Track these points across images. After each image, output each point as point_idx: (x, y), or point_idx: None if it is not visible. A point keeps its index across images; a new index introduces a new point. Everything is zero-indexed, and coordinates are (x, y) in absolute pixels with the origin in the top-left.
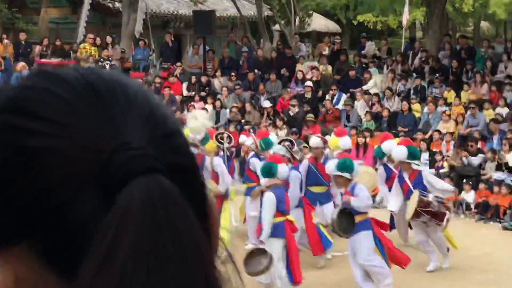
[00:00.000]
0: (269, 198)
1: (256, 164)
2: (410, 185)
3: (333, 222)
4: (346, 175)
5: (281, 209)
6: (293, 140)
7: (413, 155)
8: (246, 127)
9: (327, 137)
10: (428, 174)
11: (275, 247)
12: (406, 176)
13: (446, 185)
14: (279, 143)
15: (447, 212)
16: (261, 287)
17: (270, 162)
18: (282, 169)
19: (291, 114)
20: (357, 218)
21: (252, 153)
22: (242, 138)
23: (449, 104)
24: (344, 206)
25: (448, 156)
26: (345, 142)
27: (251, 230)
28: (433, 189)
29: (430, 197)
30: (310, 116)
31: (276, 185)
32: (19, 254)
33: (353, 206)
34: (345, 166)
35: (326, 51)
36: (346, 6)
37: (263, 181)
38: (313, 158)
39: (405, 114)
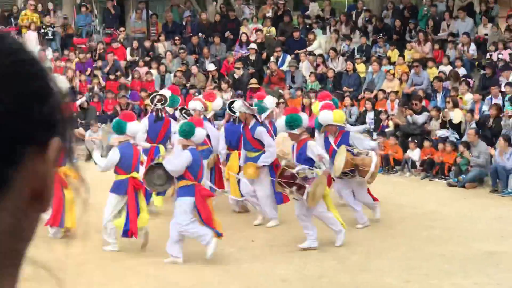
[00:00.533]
0: (187, 154)
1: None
2: (335, 146)
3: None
4: (295, 131)
5: (193, 173)
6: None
7: (339, 118)
8: (192, 91)
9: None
10: (354, 134)
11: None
12: (331, 139)
13: (372, 142)
14: (230, 104)
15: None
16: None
17: (190, 123)
18: (200, 133)
19: (236, 76)
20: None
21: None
22: (192, 103)
23: (393, 63)
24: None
25: (393, 115)
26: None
27: None
28: (360, 148)
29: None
30: (253, 82)
31: (191, 146)
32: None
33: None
34: (292, 122)
35: (269, 13)
36: None
37: (178, 139)
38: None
39: (349, 74)
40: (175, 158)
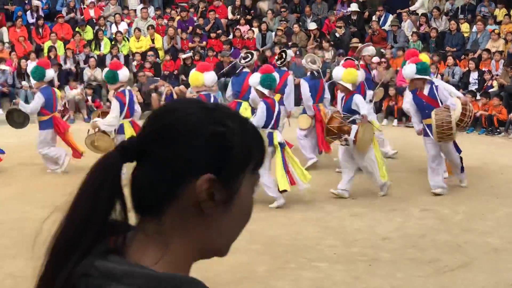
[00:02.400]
0: None
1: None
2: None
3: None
4: (265, 91)
5: None
6: None
7: (424, 70)
8: (293, 49)
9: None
10: (442, 83)
11: None
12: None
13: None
14: None
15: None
16: None
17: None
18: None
19: (337, 35)
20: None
21: None
22: None
23: (498, 23)
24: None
25: (497, 75)
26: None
27: None
28: (453, 95)
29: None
30: (355, 41)
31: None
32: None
33: None
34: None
35: None
36: None
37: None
38: None
39: (453, 33)
40: None
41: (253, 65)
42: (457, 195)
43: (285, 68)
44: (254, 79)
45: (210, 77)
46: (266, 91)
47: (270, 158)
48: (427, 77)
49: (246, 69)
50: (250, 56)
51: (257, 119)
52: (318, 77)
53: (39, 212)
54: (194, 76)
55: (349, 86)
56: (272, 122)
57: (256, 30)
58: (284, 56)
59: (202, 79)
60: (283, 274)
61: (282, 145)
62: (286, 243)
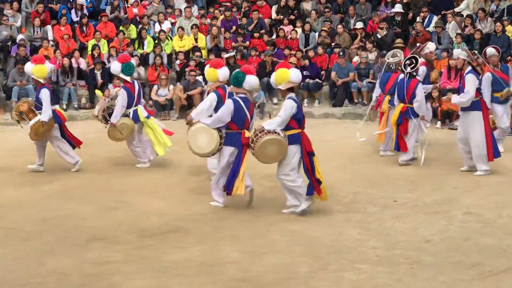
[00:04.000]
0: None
1: None
2: None
3: None
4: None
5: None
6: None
7: None
8: (336, 50)
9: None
10: None
11: None
12: None
13: None
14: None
15: None
16: None
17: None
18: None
19: (379, 36)
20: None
21: None
22: None
23: None
24: None
25: None
26: None
27: None
28: None
29: None
30: (399, 41)
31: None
32: None
33: None
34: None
35: None
36: None
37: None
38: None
39: (498, 35)
40: None
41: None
42: (501, 198)
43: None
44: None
45: (223, 72)
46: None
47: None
48: None
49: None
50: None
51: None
52: (393, 70)
53: (81, 209)
54: (210, 72)
55: None
56: (134, 101)
57: (299, 30)
58: (414, 61)
59: (216, 74)
60: (324, 275)
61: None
62: (328, 244)
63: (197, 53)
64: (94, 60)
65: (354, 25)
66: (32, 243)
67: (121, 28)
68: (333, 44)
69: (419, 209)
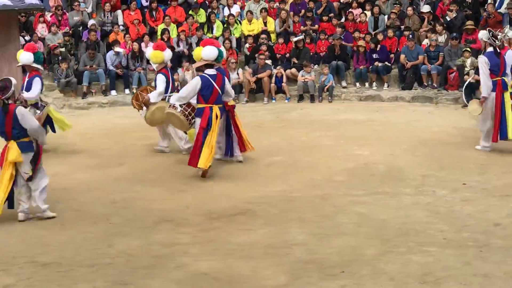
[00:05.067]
0: None
1: None
2: None
3: None
4: None
5: None
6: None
7: None
8: (406, 32)
9: None
10: None
11: None
12: None
13: None
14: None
15: None
16: None
17: None
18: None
19: (448, 19)
20: None
21: None
22: None
23: None
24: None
25: None
26: None
27: None
28: None
29: None
30: (469, 23)
31: None
32: None
33: None
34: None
35: None
36: None
37: None
38: None
39: None
40: None
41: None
42: None
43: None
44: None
45: (168, 54)
46: None
47: None
48: None
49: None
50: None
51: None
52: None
53: (150, 191)
54: (156, 54)
55: None
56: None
57: (368, 13)
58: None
59: (162, 56)
60: (391, 257)
61: None
62: (395, 227)
63: (263, 36)
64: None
65: (422, 8)
66: (101, 225)
67: (190, 12)
68: (402, 26)
69: (488, 192)
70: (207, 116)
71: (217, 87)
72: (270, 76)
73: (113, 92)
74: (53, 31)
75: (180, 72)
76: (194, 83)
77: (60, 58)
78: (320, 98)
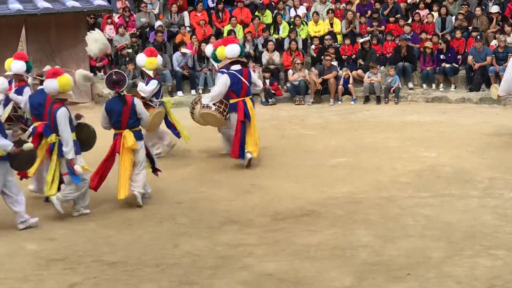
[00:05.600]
0: None
1: None
2: None
3: None
4: None
5: None
6: None
7: None
8: (474, 33)
9: None
10: None
11: None
12: None
13: None
14: None
15: None
16: None
17: None
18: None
19: None
20: None
21: None
22: None
23: None
24: None
25: None
26: None
27: None
28: None
29: None
30: None
31: None
32: None
33: None
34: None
35: None
36: None
37: None
38: None
39: None
40: None
41: None
42: None
43: None
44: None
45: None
46: None
47: None
48: None
49: None
50: None
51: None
52: None
53: (215, 192)
54: (151, 61)
55: None
56: None
57: (435, 14)
58: None
59: (156, 62)
60: (458, 260)
61: None
62: (463, 229)
63: (327, 36)
64: None
65: (491, 8)
66: (167, 225)
67: (256, 13)
68: (470, 27)
69: None
70: (242, 109)
71: (245, 80)
72: (336, 77)
73: (179, 93)
74: (121, 33)
75: None
76: (223, 82)
77: (127, 59)
78: (386, 99)
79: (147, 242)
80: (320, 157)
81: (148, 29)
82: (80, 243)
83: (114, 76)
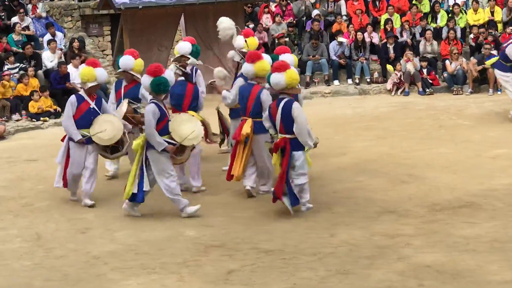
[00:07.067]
0: None
1: None
2: None
3: None
4: None
5: None
6: None
7: None
8: None
9: None
10: None
11: None
12: None
13: None
14: None
15: None
16: None
17: None
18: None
19: None
20: None
21: None
22: None
23: None
24: None
25: None
26: None
27: None
28: None
29: None
30: None
31: None
32: None
33: None
34: None
35: None
36: None
37: None
38: None
39: None
40: None
41: None
42: None
43: None
44: None
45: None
46: None
47: None
48: None
49: None
50: None
51: None
52: None
53: (372, 182)
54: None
55: None
56: None
57: None
58: None
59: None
60: None
61: None
62: None
63: (481, 30)
64: (387, 35)
65: None
66: (324, 214)
67: (414, 1)
68: None
69: None
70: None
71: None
72: None
73: (336, 82)
74: (277, 21)
75: (403, 62)
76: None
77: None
78: None
79: (304, 231)
80: (478, 148)
81: (305, 18)
82: (238, 231)
83: None
